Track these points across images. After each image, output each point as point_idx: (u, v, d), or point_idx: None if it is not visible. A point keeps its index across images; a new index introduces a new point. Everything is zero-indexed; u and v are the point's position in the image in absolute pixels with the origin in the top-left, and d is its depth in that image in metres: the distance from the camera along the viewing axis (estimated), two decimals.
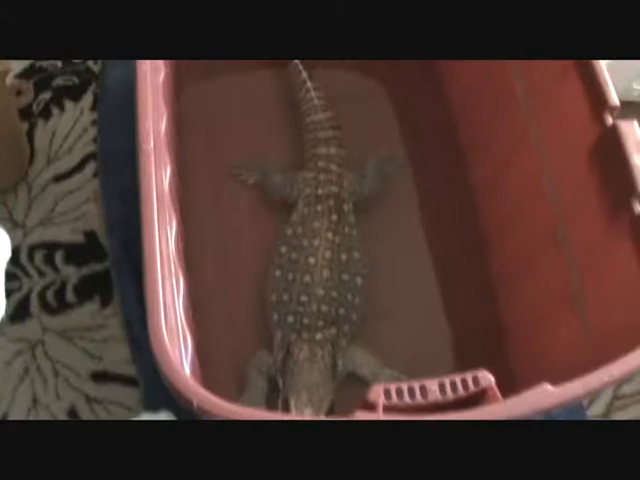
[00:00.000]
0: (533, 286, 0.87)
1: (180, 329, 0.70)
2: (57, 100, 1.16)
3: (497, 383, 0.62)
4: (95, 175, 1.10)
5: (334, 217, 0.97)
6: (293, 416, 0.56)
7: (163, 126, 0.81)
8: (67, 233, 1.07)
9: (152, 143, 0.71)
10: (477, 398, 0.60)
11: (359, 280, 0.94)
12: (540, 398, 0.59)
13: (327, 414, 0.83)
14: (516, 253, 0.91)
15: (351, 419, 0.57)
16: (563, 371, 0.64)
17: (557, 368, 0.77)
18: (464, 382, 0.60)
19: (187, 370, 0.69)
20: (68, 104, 1.16)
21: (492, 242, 0.97)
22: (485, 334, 0.93)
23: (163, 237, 0.72)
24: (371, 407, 0.59)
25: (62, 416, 0.96)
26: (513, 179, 0.92)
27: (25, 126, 1.13)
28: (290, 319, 0.91)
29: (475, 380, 0.60)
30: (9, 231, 1.06)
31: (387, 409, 0.59)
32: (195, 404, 0.58)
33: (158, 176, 0.73)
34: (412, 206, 1.04)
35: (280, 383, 0.88)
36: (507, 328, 0.92)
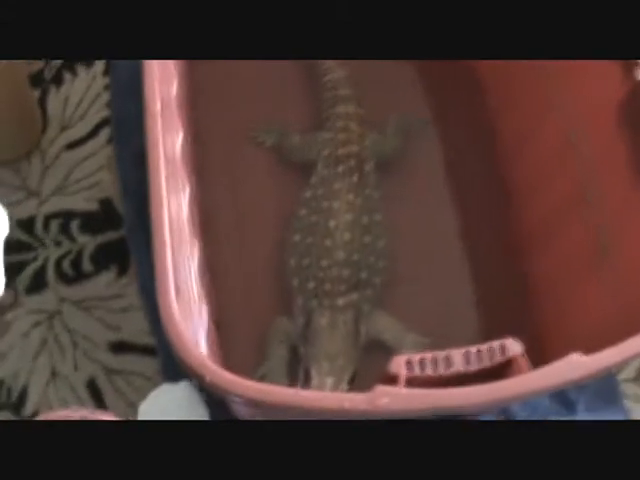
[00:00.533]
0: (561, 246, 0.84)
1: (194, 299, 0.68)
2: (69, 65, 1.13)
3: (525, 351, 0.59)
4: (109, 141, 1.07)
5: (355, 178, 0.93)
6: (309, 394, 0.53)
7: (174, 90, 0.79)
8: (82, 201, 1.04)
9: (159, 105, 0.68)
10: (503, 368, 0.57)
11: (381, 243, 0.91)
12: (570, 369, 0.56)
13: (349, 384, 0.81)
14: (543, 212, 0.87)
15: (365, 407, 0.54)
16: (592, 336, 0.62)
17: (586, 333, 0.75)
18: (491, 351, 0.57)
19: (202, 342, 0.67)
20: (80, 69, 1.13)
21: (519, 201, 0.93)
22: (511, 297, 0.90)
23: (174, 203, 0.70)
24: (392, 379, 0.56)
25: (81, 388, 0.94)
26: (541, 136, 0.88)
27: (37, 93, 1.11)
28: (310, 285, 0.88)
29: (502, 349, 0.57)
30: (24, 200, 1.05)
31: (409, 381, 0.56)
32: (207, 379, 0.55)
33: (168, 140, 0.71)
34: (436, 165, 1.01)
35: (301, 351, 0.86)
36: (534, 290, 0.88)
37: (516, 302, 0.90)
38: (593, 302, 0.77)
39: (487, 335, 0.88)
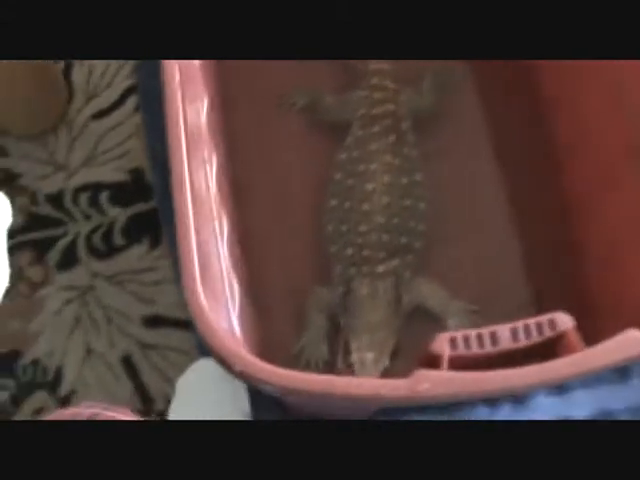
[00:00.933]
0: (612, 208, 0.78)
1: (223, 276, 0.65)
2: None
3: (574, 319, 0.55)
4: (137, 109, 1.04)
5: (392, 138, 0.89)
6: (344, 380, 0.49)
7: None
8: (111, 172, 1.01)
9: (178, 77, 0.65)
10: (554, 343, 0.53)
11: (422, 205, 0.87)
12: (628, 346, 0.51)
13: (391, 357, 0.77)
14: (594, 170, 0.82)
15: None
16: None
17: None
18: (539, 326, 0.53)
19: (233, 320, 0.63)
20: None
21: (567, 158, 0.88)
22: (561, 261, 0.86)
23: (201, 176, 0.66)
24: (435, 359, 0.52)
25: (117, 364, 0.92)
26: (589, 88, 0.82)
27: (61, 64, 1.07)
28: (349, 251, 0.85)
29: (552, 323, 0.53)
30: (51, 174, 1.02)
31: (453, 361, 0.52)
32: (237, 369, 0.52)
33: (191, 110, 0.67)
34: (476, 121, 0.96)
35: (341, 322, 0.83)
36: (585, 254, 0.83)
37: (566, 267, 0.85)
38: None
39: (536, 302, 0.86)
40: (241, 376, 0.52)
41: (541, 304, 0.84)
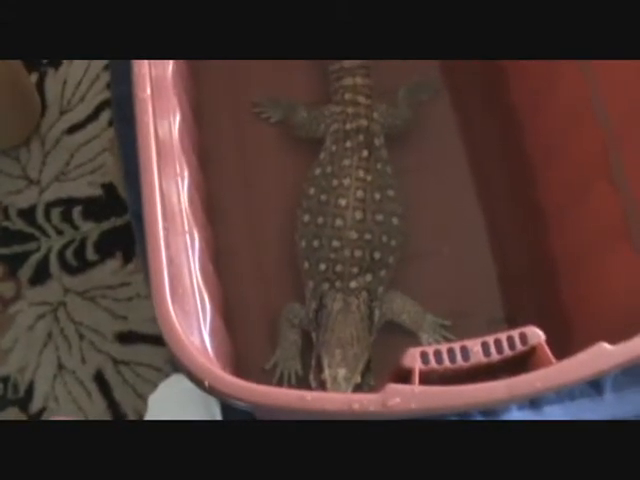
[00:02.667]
0: (584, 219, 0.79)
1: (194, 291, 0.64)
2: None
3: (547, 333, 0.55)
4: (111, 124, 1.04)
5: (365, 153, 0.89)
6: (316, 396, 0.49)
7: (169, 69, 0.75)
8: (84, 187, 1.01)
9: (149, 90, 0.65)
10: (528, 355, 0.53)
11: (395, 220, 0.87)
12: (596, 359, 0.51)
13: (364, 373, 0.77)
14: (565, 182, 0.82)
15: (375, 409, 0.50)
16: (618, 316, 0.57)
17: (612, 311, 0.70)
18: (510, 340, 0.53)
19: (205, 337, 0.63)
20: None
21: (539, 170, 0.89)
22: (533, 274, 0.86)
23: (172, 190, 0.66)
24: (407, 374, 0.52)
25: (89, 381, 0.91)
26: (558, 99, 0.83)
27: (34, 77, 1.07)
28: (322, 267, 0.84)
29: (523, 337, 0.53)
30: (24, 189, 1.01)
31: (425, 375, 0.52)
32: (206, 384, 0.52)
33: (162, 124, 0.67)
34: (450, 135, 0.96)
35: (314, 337, 0.82)
36: (557, 267, 0.84)
37: (538, 280, 0.85)
38: (619, 280, 0.72)
39: (509, 317, 0.86)
40: (211, 391, 0.52)
41: (514, 319, 0.84)
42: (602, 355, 0.51)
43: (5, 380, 0.92)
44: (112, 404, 0.90)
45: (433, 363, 0.53)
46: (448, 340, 0.82)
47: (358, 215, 0.85)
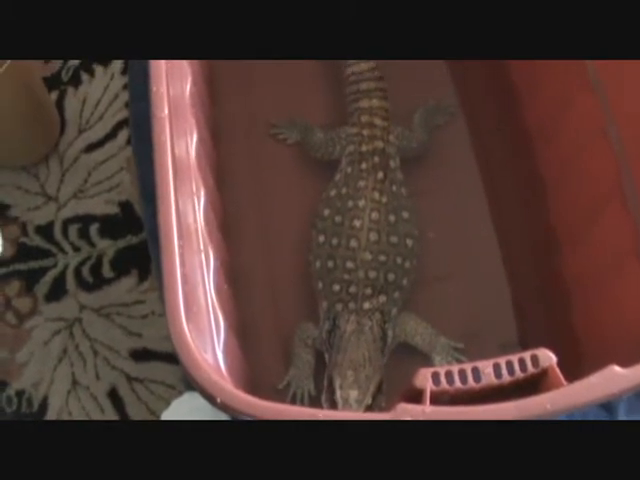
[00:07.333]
0: (597, 242, 0.79)
1: (209, 309, 0.65)
2: (86, 66, 1.10)
3: (559, 356, 0.55)
4: (128, 142, 1.05)
5: (380, 175, 0.90)
6: (328, 414, 0.49)
7: (187, 89, 0.76)
8: (101, 205, 1.02)
9: (167, 110, 0.65)
10: (540, 377, 0.53)
11: (409, 242, 0.87)
12: (607, 382, 0.51)
13: (376, 394, 0.77)
14: (578, 204, 0.83)
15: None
16: (630, 339, 0.57)
17: (624, 334, 0.70)
18: (522, 362, 0.53)
19: (219, 355, 0.63)
20: (98, 69, 1.10)
21: (552, 191, 0.89)
22: (546, 296, 0.86)
23: (188, 209, 0.67)
24: (418, 394, 0.52)
25: (102, 397, 0.92)
26: (571, 121, 0.84)
27: (54, 95, 1.08)
28: (336, 287, 0.85)
29: (534, 359, 0.53)
30: (42, 205, 1.02)
31: (437, 396, 0.52)
32: (219, 400, 0.52)
33: (180, 143, 0.67)
34: (464, 158, 0.97)
35: (326, 357, 0.83)
36: (569, 289, 0.84)
37: (550, 302, 0.85)
38: (632, 301, 0.72)
39: (522, 335, 0.86)
40: (223, 408, 0.53)
41: (526, 342, 0.84)
42: (613, 378, 0.52)
43: (20, 394, 0.93)
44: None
45: (444, 384, 0.53)
46: (460, 362, 0.82)
47: (373, 236, 0.86)
